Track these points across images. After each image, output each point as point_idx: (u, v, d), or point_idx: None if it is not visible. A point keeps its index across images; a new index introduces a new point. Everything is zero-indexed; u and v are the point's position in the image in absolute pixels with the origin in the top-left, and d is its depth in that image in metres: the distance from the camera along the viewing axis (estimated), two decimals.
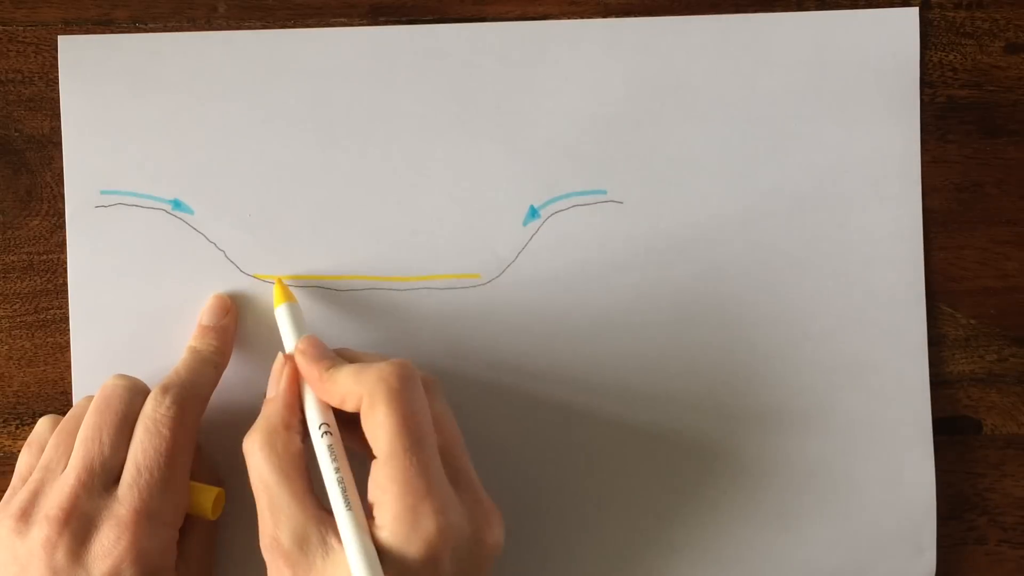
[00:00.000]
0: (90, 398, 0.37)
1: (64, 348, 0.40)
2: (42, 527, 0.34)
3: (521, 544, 0.40)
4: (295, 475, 0.33)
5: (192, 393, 0.36)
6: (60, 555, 0.33)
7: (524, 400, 0.40)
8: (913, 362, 0.40)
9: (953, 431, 0.41)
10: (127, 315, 0.40)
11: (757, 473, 0.40)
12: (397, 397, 0.33)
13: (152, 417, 0.35)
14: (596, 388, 0.40)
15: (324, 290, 0.40)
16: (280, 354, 0.36)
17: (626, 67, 0.40)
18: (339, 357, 0.36)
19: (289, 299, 0.38)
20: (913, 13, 0.41)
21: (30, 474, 0.36)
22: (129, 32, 0.41)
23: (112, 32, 0.40)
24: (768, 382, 0.40)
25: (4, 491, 0.37)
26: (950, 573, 0.41)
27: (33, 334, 0.40)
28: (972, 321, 0.41)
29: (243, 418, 0.39)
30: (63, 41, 0.40)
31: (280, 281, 0.39)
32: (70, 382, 0.40)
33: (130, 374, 0.37)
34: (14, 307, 0.41)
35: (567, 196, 0.40)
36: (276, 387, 0.35)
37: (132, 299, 0.40)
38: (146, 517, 0.34)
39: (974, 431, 0.41)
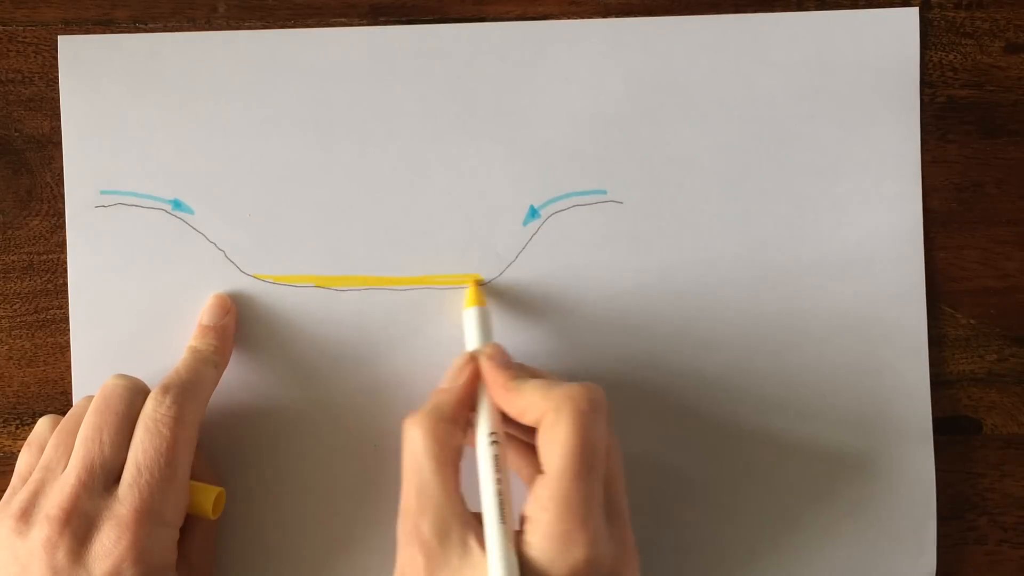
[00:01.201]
0: (90, 398, 0.37)
1: (64, 348, 0.40)
2: (43, 527, 0.34)
3: None
4: (449, 468, 0.33)
5: (192, 393, 0.36)
6: (61, 555, 0.33)
7: None
8: (913, 362, 0.40)
9: (953, 431, 0.41)
10: (127, 315, 0.40)
11: (757, 473, 0.40)
12: (583, 419, 0.32)
13: (152, 417, 0.35)
14: None
15: (324, 290, 0.40)
16: (465, 351, 0.37)
17: (626, 67, 0.40)
18: (523, 370, 0.36)
19: (480, 303, 0.38)
20: (913, 13, 0.41)
21: (30, 474, 0.36)
22: (129, 32, 0.41)
23: (112, 32, 0.40)
24: (768, 382, 0.40)
25: (4, 491, 0.37)
26: (950, 573, 0.41)
27: (33, 334, 0.40)
28: (972, 321, 0.41)
29: (243, 418, 0.40)
30: (63, 41, 0.40)
31: (476, 284, 0.39)
32: (70, 382, 0.40)
33: (130, 374, 0.37)
34: (14, 307, 0.41)
35: (567, 196, 0.40)
36: (454, 381, 0.35)
37: (132, 299, 0.40)
38: (147, 517, 0.34)
39: (974, 431, 0.41)
